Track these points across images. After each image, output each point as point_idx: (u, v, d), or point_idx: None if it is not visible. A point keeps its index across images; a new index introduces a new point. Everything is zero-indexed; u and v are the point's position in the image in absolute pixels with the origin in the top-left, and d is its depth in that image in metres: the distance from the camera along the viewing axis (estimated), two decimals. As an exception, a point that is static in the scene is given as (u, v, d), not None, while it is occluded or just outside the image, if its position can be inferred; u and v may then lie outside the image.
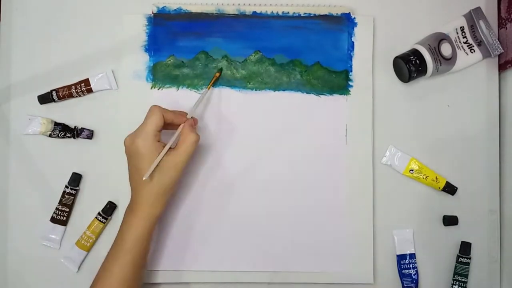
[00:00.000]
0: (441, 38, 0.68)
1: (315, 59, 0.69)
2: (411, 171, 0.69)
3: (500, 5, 0.71)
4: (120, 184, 0.67)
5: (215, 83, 0.69)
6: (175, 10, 0.69)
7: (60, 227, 0.68)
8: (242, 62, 0.69)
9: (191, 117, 0.63)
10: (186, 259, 0.67)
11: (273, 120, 0.69)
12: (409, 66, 0.66)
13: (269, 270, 0.68)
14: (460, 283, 0.67)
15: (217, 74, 0.68)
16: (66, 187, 0.68)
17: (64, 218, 0.68)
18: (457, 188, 0.69)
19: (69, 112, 0.69)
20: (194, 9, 0.69)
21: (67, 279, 0.68)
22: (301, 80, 0.69)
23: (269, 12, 0.69)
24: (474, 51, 0.69)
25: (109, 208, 0.68)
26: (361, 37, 0.69)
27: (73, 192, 0.68)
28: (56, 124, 0.68)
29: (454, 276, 0.68)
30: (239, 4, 0.69)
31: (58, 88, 0.69)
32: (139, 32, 0.69)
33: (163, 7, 0.69)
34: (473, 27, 0.69)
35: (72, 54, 0.70)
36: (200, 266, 0.67)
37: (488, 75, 0.70)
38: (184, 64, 0.69)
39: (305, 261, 0.68)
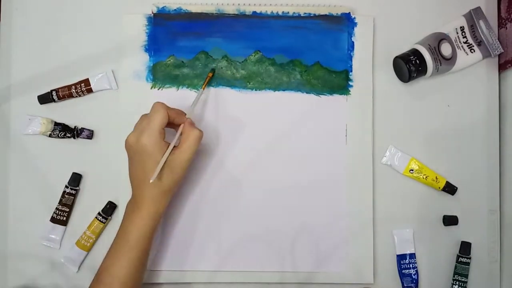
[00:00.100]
0: (441, 38, 0.68)
1: (315, 59, 0.69)
2: (411, 171, 0.69)
3: (500, 5, 0.71)
4: (120, 184, 0.67)
5: (212, 83, 0.69)
6: (175, 10, 0.69)
7: (60, 227, 0.68)
8: (242, 62, 0.69)
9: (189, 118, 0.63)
10: (188, 259, 0.67)
11: (273, 120, 0.69)
12: (409, 66, 0.66)
13: (269, 270, 0.68)
14: (460, 283, 0.67)
15: (210, 74, 0.68)
16: (66, 187, 0.68)
17: (64, 218, 0.68)
18: (457, 188, 0.69)
19: (69, 112, 0.69)
20: (194, 9, 0.69)
21: (67, 279, 0.68)
22: (301, 80, 0.69)
23: (269, 12, 0.69)
24: (474, 51, 0.69)
25: (109, 208, 0.68)
26: (361, 37, 0.69)
27: (73, 192, 0.68)
28: (56, 124, 0.68)
29: (454, 276, 0.68)
30: (239, 4, 0.70)
31: (58, 88, 0.69)
32: (139, 32, 0.69)
33: (163, 7, 0.69)
34: (473, 27, 0.69)
35: (72, 54, 0.70)
36: (202, 266, 0.67)
37: (488, 75, 0.70)
38: (184, 64, 0.69)
39: (305, 261, 0.68)
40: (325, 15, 0.69)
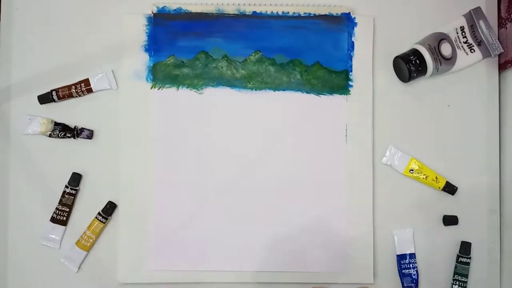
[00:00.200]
0: (441, 38, 0.68)
1: (315, 59, 0.69)
2: (411, 171, 0.69)
3: (500, 5, 0.71)
4: (120, 184, 0.67)
5: (212, 83, 0.69)
6: (175, 10, 0.69)
7: (60, 227, 0.68)
8: (242, 62, 0.69)
9: None
10: (188, 259, 0.67)
11: (273, 120, 0.69)
12: (409, 66, 0.66)
13: (269, 270, 0.68)
14: (460, 283, 0.67)
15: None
16: (66, 187, 0.68)
17: (64, 218, 0.68)
18: (457, 188, 0.69)
19: (69, 112, 0.69)
20: (194, 9, 0.69)
21: (67, 279, 0.68)
22: (301, 80, 0.69)
23: (269, 12, 0.69)
24: (474, 51, 0.69)
25: (109, 208, 0.68)
26: (361, 37, 0.69)
27: (73, 192, 0.68)
28: (56, 124, 0.68)
29: (454, 276, 0.68)
30: (239, 4, 0.70)
31: (58, 88, 0.69)
32: (139, 32, 0.69)
33: (163, 7, 0.69)
34: (473, 27, 0.69)
35: (72, 54, 0.70)
36: (202, 266, 0.67)
37: (488, 75, 0.70)
38: (184, 64, 0.69)
39: (305, 261, 0.68)
40: (325, 15, 0.69)
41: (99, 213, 0.68)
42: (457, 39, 0.68)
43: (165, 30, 0.69)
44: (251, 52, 0.69)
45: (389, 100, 0.70)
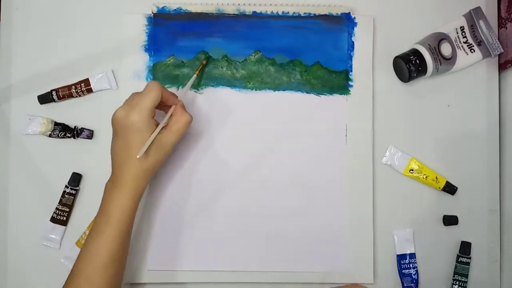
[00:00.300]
0: (441, 38, 0.68)
1: (315, 59, 0.69)
2: (411, 171, 0.69)
3: (500, 5, 0.71)
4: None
5: (212, 83, 0.69)
6: (175, 10, 0.69)
7: (60, 227, 0.68)
8: (242, 62, 0.69)
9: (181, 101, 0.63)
10: (187, 259, 0.67)
11: (273, 120, 0.69)
12: (409, 66, 0.66)
13: (268, 270, 0.67)
14: (460, 283, 0.67)
15: (204, 62, 0.68)
16: (66, 187, 0.68)
17: (64, 218, 0.68)
18: (457, 188, 0.69)
19: (69, 112, 0.69)
20: (194, 9, 0.69)
21: (67, 279, 0.68)
22: (301, 80, 0.69)
23: (269, 12, 0.69)
24: (474, 51, 0.69)
25: (109, 208, 0.68)
26: (361, 37, 0.69)
27: (73, 192, 0.68)
28: (56, 124, 0.68)
29: (454, 276, 0.68)
30: (239, 4, 0.70)
31: (58, 88, 0.69)
32: (139, 32, 0.69)
33: (163, 7, 0.69)
34: (473, 27, 0.69)
35: (72, 54, 0.70)
36: (201, 266, 0.67)
37: (488, 75, 0.70)
38: (184, 64, 0.69)
39: (305, 261, 0.68)
40: (325, 15, 0.69)
41: (99, 213, 0.68)
42: (457, 39, 0.68)
43: (165, 30, 0.69)
44: (251, 52, 0.69)
45: (389, 100, 0.70)
